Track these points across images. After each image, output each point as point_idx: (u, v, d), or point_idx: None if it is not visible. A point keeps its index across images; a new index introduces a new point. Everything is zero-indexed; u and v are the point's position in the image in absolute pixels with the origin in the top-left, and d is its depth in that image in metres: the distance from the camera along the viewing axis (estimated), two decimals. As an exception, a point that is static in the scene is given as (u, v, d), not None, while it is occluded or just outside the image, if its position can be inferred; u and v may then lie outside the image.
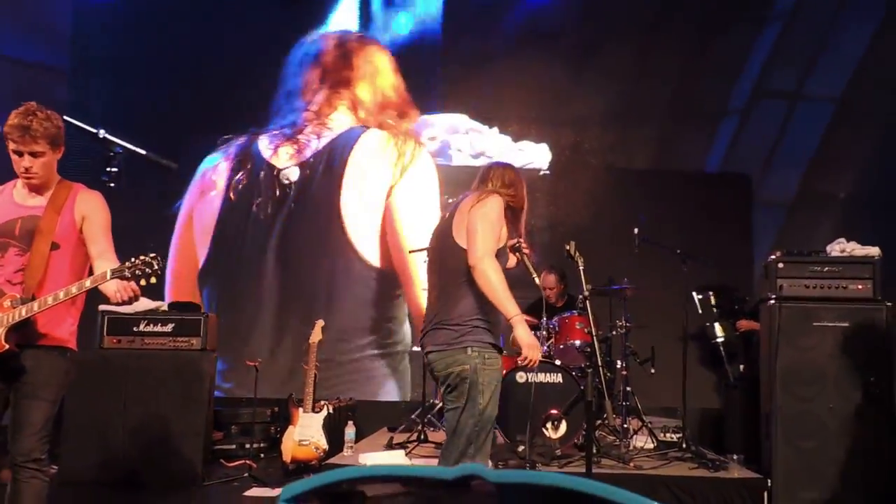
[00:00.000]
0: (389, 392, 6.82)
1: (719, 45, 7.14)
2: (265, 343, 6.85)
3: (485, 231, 2.96)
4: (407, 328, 6.87)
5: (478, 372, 2.91)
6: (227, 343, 6.29)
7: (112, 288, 2.82)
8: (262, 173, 7.03)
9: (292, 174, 6.99)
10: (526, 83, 7.01)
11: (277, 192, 6.98)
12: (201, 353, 5.14)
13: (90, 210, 2.99)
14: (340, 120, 7.11)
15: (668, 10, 7.25)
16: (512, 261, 3.34)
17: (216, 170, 7.11)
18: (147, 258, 2.77)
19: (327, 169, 6.99)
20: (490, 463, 3.35)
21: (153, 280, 2.80)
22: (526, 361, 3.02)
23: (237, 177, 7.03)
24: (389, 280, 6.89)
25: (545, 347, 5.22)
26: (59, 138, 2.93)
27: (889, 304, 4.46)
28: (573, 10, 7.27)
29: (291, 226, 6.99)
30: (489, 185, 3.21)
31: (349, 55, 7.23)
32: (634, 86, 7.05)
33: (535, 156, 7.06)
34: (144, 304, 5.24)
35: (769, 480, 4.39)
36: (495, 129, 7.11)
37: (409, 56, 7.23)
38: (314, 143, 7.05)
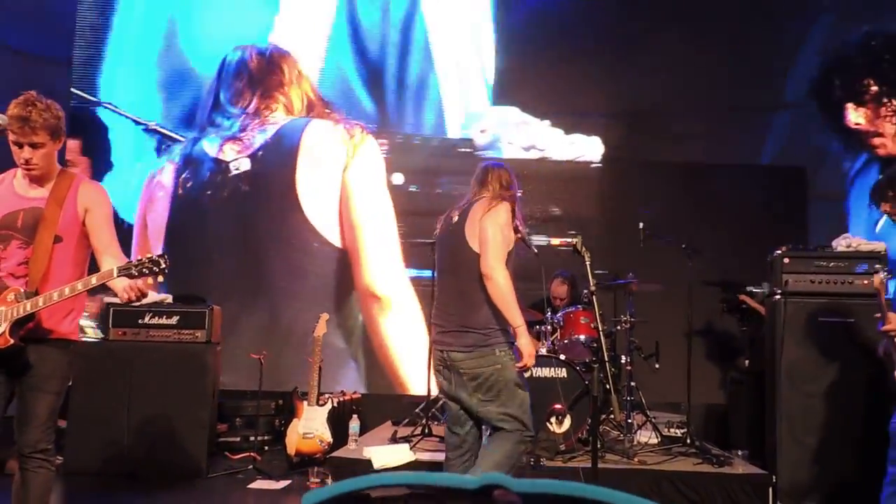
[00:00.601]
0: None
1: (774, 35, 6.99)
2: (234, 330, 6.80)
3: (496, 241, 3.14)
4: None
5: (508, 368, 3.23)
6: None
7: (120, 286, 2.82)
8: (210, 169, 7.00)
9: (242, 164, 6.97)
10: (577, 75, 6.90)
11: (227, 184, 6.97)
12: (206, 345, 5.15)
13: (93, 202, 2.99)
14: (280, 116, 7.10)
15: (722, 1, 7.12)
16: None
17: (162, 173, 7.08)
18: (154, 257, 2.78)
19: (278, 156, 6.97)
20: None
21: (160, 279, 2.82)
22: (523, 367, 3.28)
23: (184, 175, 7.00)
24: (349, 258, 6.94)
25: (549, 342, 5.21)
26: (60, 129, 2.91)
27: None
28: (625, 0, 7.17)
29: (249, 214, 6.94)
30: (489, 188, 3.36)
31: (274, 62, 7.21)
32: (688, 77, 6.90)
33: (586, 149, 6.99)
34: (150, 296, 5.25)
35: (774, 476, 4.39)
36: (546, 122, 7.03)
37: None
38: (260, 137, 7.03)
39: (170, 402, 5.00)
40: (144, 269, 2.77)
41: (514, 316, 3.15)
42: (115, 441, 4.93)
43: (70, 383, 3.01)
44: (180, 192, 7.02)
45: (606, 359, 3.79)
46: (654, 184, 6.77)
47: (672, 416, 5.63)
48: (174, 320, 5.18)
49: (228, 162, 7.00)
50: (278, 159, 6.97)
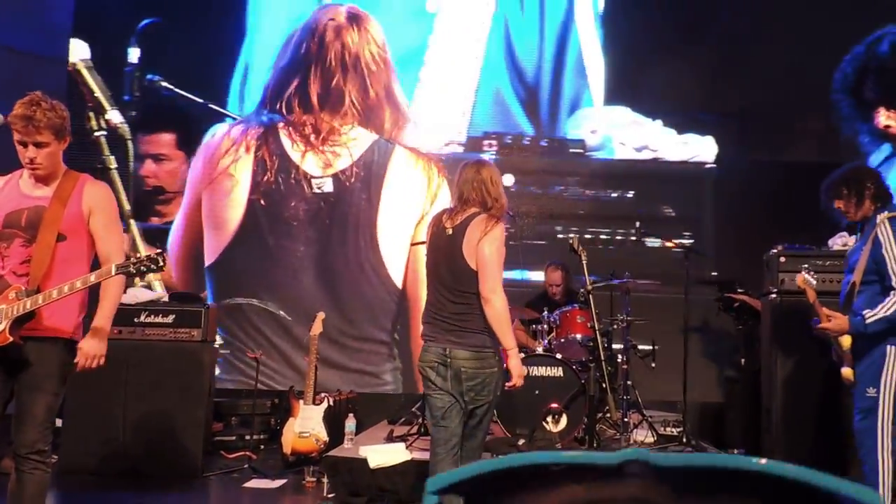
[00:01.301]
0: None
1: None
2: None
3: (493, 264, 3.26)
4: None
5: (499, 373, 3.34)
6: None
7: (84, 347, 2.89)
8: (293, 179, 6.88)
9: (326, 185, 6.86)
10: (689, 73, 6.82)
11: (311, 202, 6.88)
12: (202, 344, 5.14)
13: (97, 203, 2.97)
14: (357, 132, 6.97)
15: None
16: None
17: (227, 153, 6.91)
18: (152, 255, 2.77)
19: (364, 187, 6.88)
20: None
21: (158, 276, 2.81)
22: (512, 387, 3.40)
23: (265, 177, 6.86)
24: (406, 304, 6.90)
25: (546, 341, 5.22)
26: (65, 129, 2.91)
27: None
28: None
29: (328, 239, 6.89)
30: (483, 202, 3.34)
31: (345, 37, 6.96)
32: (802, 75, 6.80)
33: (700, 149, 6.94)
34: (146, 294, 5.25)
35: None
36: (659, 122, 6.97)
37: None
38: (343, 155, 6.90)
39: (165, 400, 4.99)
40: (143, 267, 2.77)
41: (508, 339, 3.29)
42: (111, 440, 4.92)
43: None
44: (260, 199, 6.88)
45: (603, 357, 3.78)
46: (771, 184, 6.56)
47: (668, 414, 5.64)
48: (170, 319, 5.17)
49: (311, 177, 6.89)
50: (365, 190, 6.89)
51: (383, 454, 4.58)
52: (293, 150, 6.94)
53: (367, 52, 6.95)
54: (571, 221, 6.82)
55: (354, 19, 6.99)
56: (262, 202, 6.89)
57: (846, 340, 3.50)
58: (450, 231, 3.36)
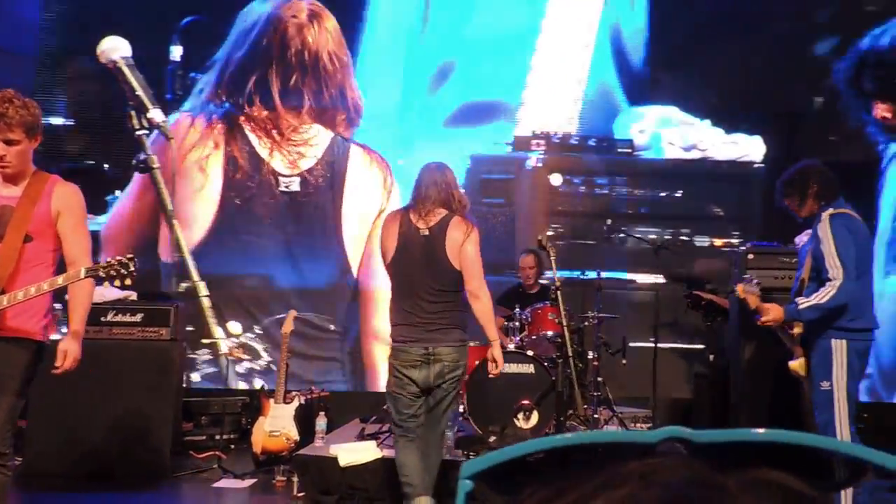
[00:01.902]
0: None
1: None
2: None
3: (478, 264, 3.50)
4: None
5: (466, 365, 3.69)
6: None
7: (62, 348, 2.87)
8: (262, 177, 6.80)
9: (293, 184, 6.81)
10: (737, 73, 6.80)
11: (280, 200, 6.83)
12: (170, 343, 5.09)
13: (66, 205, 2.94)
14: (316, 129, 6.89)
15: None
16: None
17: (195, 147, 6.74)
18: (123, 259, 2.75)
19: (328, 186, 6.84)
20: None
21: (128, 281, 2.80)
22: (496, 375, 3.77)
23: (236, 174, 6.76)
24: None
25: (518, 338, 5.24)
26: (36, 127, 2.87)
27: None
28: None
29: (296, 235, 6.86)
30: (453, 206, 3.53)
31: (305, 35, 6.83)
32: None
33: (749, 149, 6.89)
34: (112, 293, 5.18)
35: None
36: (707, 122, 6.91)
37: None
38: (309, 157, 6.84)
39: (133, 400, 4.93)
40: (112, 272, 2.75)
41: (493, 331, 3.59)
42: (78, 441, 4.85)
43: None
44: (234, 195, 6.78)
45: (571, 354, 3.84)
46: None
47: (638, 410, 5.68)
48: (138, 318, 5.11)
49: (279, 175, 6.81)
50: (328, 189, 6.84)
51: (354, 452, 4.57)
52: (261, 147, 6.88)
53: (325, 52, 6.89)
54: (620, 221, 6.64)
55: (315, 17, 6.90)
56: (238, 200, 6.83)
57: (797, 330, 3.66)
58: (425, 232, 3.48)
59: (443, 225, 3.46)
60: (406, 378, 3.50)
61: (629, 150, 6.93)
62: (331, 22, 6.92)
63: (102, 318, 5.07)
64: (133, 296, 5.26)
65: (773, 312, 3.64)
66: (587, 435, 0.69)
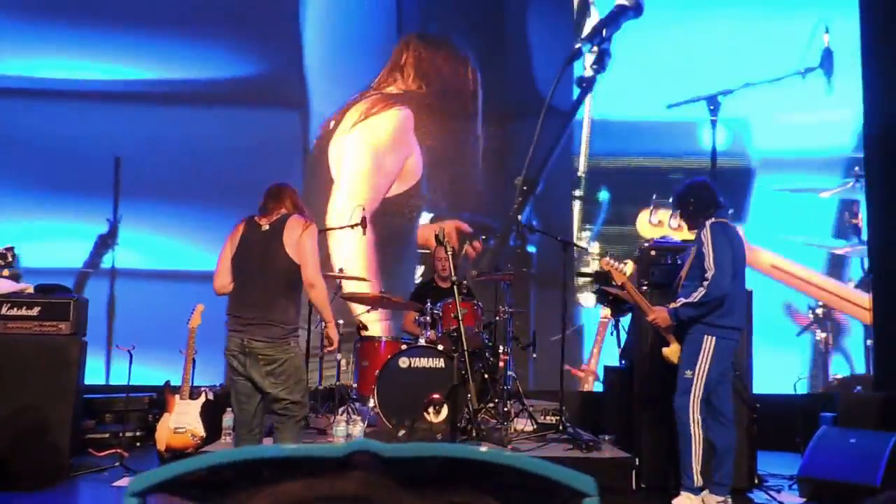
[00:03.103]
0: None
1: None
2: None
3: (315, 255, 3.73)
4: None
5: (299, 357, 3.83)
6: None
7: None
8: None
9: None
10: None
11: None
12: (70, 337, 4.90)
13: None
14: None
15: None
16: None
17: None
18: (1, 249, 2.66)
19: None
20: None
21: (5, 273, 2.71)
22: (331, 350, 3.94)
23: None
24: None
25: (428, 332, 5.26)
26: None
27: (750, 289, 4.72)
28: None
29: None
30: (286, 205, 3.80)
31: None
32: None
33: None
34: (7, 286, 4.96)
35: (637, 459, 4.58)
36: None
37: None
38: None
39: (30, 398, 4.73)
40: None
41: (329, 314, 3.80)
42: (-31, 440, 4.63)
43: None
44: None
45: (466, 348, 3.90)
46: None
47: (549, 404, 5.77)
48: (35, 311, 4.89)
49: None
50: None
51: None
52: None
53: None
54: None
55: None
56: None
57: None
58: (265, 228, 3.72)
59: (282, 220, 3.72)
60: (231, 367, 3.71)
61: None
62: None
63: (-3, 312, 4.85)
64: (30, 288, 5.06)
65: (659, 314, 4.13)
66: (263, 450, 0.68)
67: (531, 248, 6.98)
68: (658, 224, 7.05)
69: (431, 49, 7.21)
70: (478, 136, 7.17)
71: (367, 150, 7.01)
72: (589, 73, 7.12)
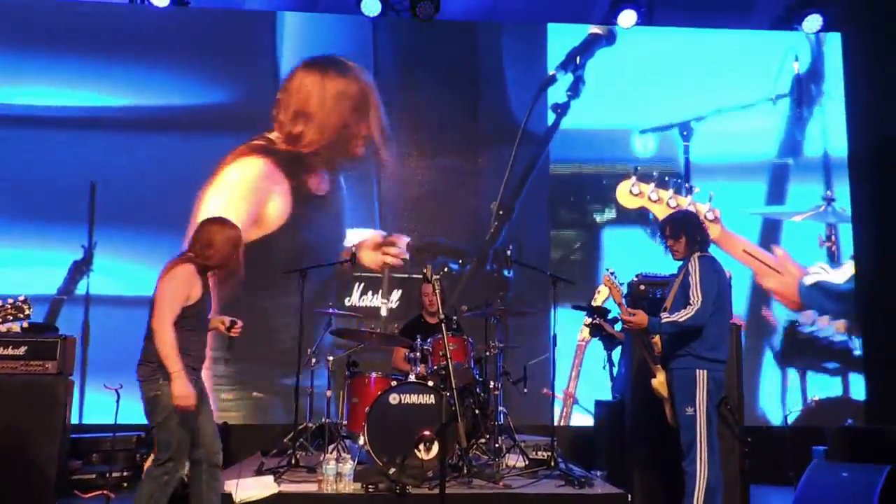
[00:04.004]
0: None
1: None
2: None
3: (164, 300, 3.63)
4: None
5: (167, 396, 3.61)
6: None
7: None
8: None
9: None
10: None
11: None
12: (56, 377, 4.86)
13: None
14: None
15: None
16: None
17: None
18: (18, 303, 2.68)
19: None
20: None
21: (25, 325, 2.76)
22: (182, 410, 3.63)
23: None
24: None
25: (418, 368, 5.23)
26: None
27: (740, 323, 4.76)
28: None
29: None
30: (191, 240, 3.81)
31: None
32: None
33: None
34: (-7, 326, 4.92)
35: (630, 496, 4.55)
36: None
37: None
38: None
39: (16, 438, 4.67)
40: (9, 316, 2.69)
41: (171, 364, 3.57)
42: (-47, 482, 4.56)
43: None
44: None
45: (454, 385, 3.86)
46: None
47: (540, 439, 5.75)
48: (22, 351, 4.86)
49: None
50: None
51: (249, 489, 4.46)
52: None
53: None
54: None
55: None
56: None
57: (658, 345, 4.22)
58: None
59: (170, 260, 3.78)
60: None
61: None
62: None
63: (-18, 352, 4.81)
64: (16, 327, 5.01)
65: (638, 317, 4.13)
66: None
67: (507, 273, 7.06)
68: (639, 195, 7.26)
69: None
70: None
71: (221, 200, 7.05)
72: (563, 98, 7.32)
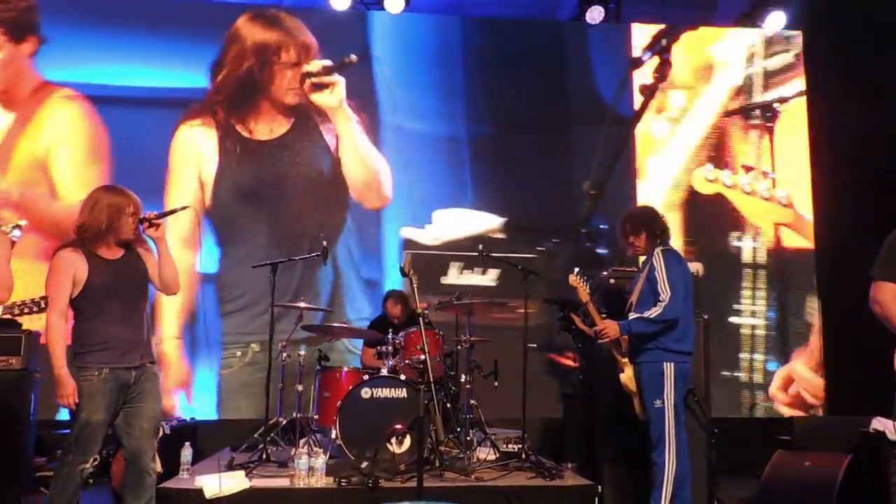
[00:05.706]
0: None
1: None
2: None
3: (49, 290, 3.34)
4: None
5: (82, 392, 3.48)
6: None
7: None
8: None
9: None
10: None
11: None
12: (20, 373, 4.78)
13: None
14: None
15: None
16: None
17: None
18: (36, 298, 2.67)
19: None
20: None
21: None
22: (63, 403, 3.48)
23: None
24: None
25: (390, 363, 5.23)
26: None
27: (705, 317, 4.84)
28: None
29: None
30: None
31: None
32: None
33: None
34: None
35: (600, 487, 4.61)
36: None
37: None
38: None
39: (-22, 435, 4.60)
40: (27, 309, 2.70)
41: (54, 359, 3.33)
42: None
43: None
44: None
45: (432, 378, 3.86)
46: None
47: (511, 431, 5.78)
48: (-16, 346, 4.78)
49: None
50: None
51: (220, 483, 4.42)
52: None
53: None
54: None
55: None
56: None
57: (625, 339, 4.24)
58: None
59: None
60: None
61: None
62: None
63: (-57, 348, 4.71)
64: (-21, 322, 4.92)
65: (610, 330, 4.18)
66: None
67: (602, 251, 7.26)
68: (714, 181, 7.49)
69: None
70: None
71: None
72: (650, 80, 7.54)
